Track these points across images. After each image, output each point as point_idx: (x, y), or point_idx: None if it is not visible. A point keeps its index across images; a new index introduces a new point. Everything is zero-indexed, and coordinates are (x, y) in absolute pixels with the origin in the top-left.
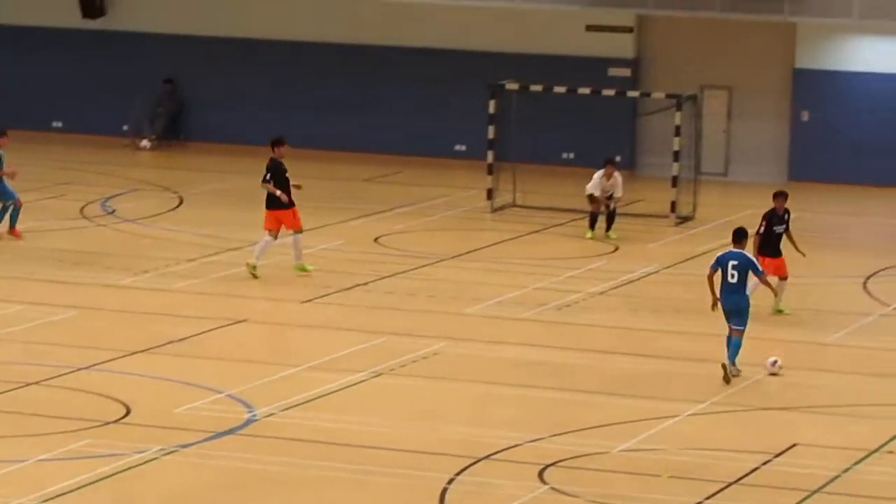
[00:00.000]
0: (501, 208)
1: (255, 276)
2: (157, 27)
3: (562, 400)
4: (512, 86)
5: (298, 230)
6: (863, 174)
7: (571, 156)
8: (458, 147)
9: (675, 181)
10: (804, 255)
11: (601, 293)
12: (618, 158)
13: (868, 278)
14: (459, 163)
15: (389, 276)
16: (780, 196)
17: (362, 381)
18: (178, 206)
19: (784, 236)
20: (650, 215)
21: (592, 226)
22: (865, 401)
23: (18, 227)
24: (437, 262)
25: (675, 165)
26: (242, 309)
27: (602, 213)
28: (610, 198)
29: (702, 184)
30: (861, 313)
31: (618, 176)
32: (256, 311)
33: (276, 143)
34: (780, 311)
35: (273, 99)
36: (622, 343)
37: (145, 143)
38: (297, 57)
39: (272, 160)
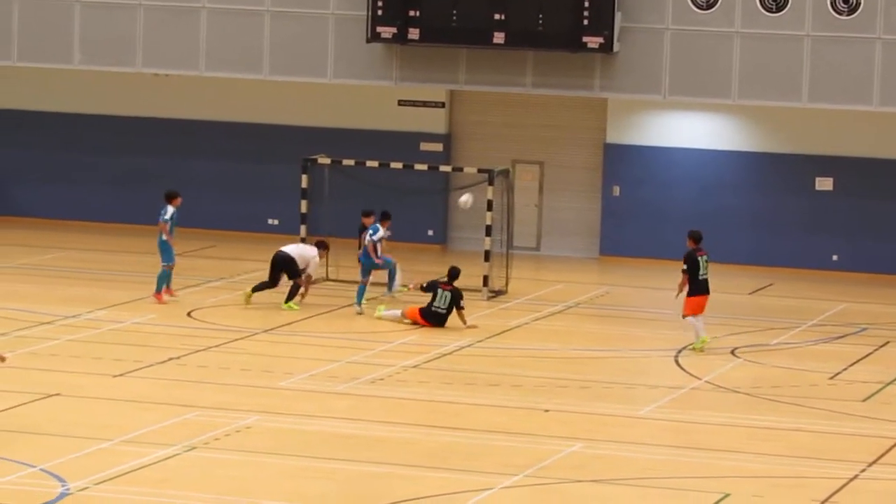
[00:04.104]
0: (315, 282)
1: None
2: None
3: (375, 473)
4: (324, 160)
5: None
6: (672, 249)
7: None
8: (270, 221)
9: (487, 255)
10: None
11: (414, 366)
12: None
13: (679, 352)
14: (272, 237)
15: (202, 350)
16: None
17: (176, 455)
18: None
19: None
20: (463, 289)
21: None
22: (677, 473)
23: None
24: (250, 335)
25: (487, 240)
26: (55, 383)
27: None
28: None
29: (514, 258)
30: (672, 386)
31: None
32: (69, 385)
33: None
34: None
35: (84, 173)
36: (436, 416)
37: None
38: (108, 131)
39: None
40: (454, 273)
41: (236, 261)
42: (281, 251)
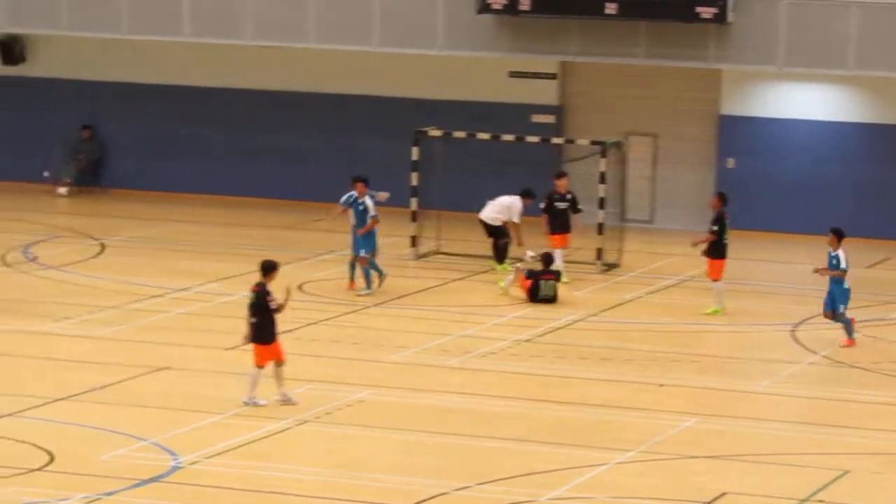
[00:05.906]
0: (425, 256)
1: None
2: (76, 73)
3: (488, 448)
4: (435, 132)
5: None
6: (787, 222)
7: None
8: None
9: (600, 228)
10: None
11: (527, 341)
12: None
13: (796, 326)
14: (382, 209)
15: (314, 324)
16: (562, 176)
17: (287, 429)
18: (99, 254)
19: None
20: (576, 262)
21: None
22: (794, 449)
23: None
24: (362, 309)
25: (601, 213)
26: (165, 356)
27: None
28: None
29: (627, 231)
30: (789, 361)
31: None
32: (179, 359)
33: None
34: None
35: (193, 146)
36: (548, 391)
37: (62, 189)
38: (217, 104)
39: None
40: (549, 258)
41: (346, 234)
42: (485, 222)
